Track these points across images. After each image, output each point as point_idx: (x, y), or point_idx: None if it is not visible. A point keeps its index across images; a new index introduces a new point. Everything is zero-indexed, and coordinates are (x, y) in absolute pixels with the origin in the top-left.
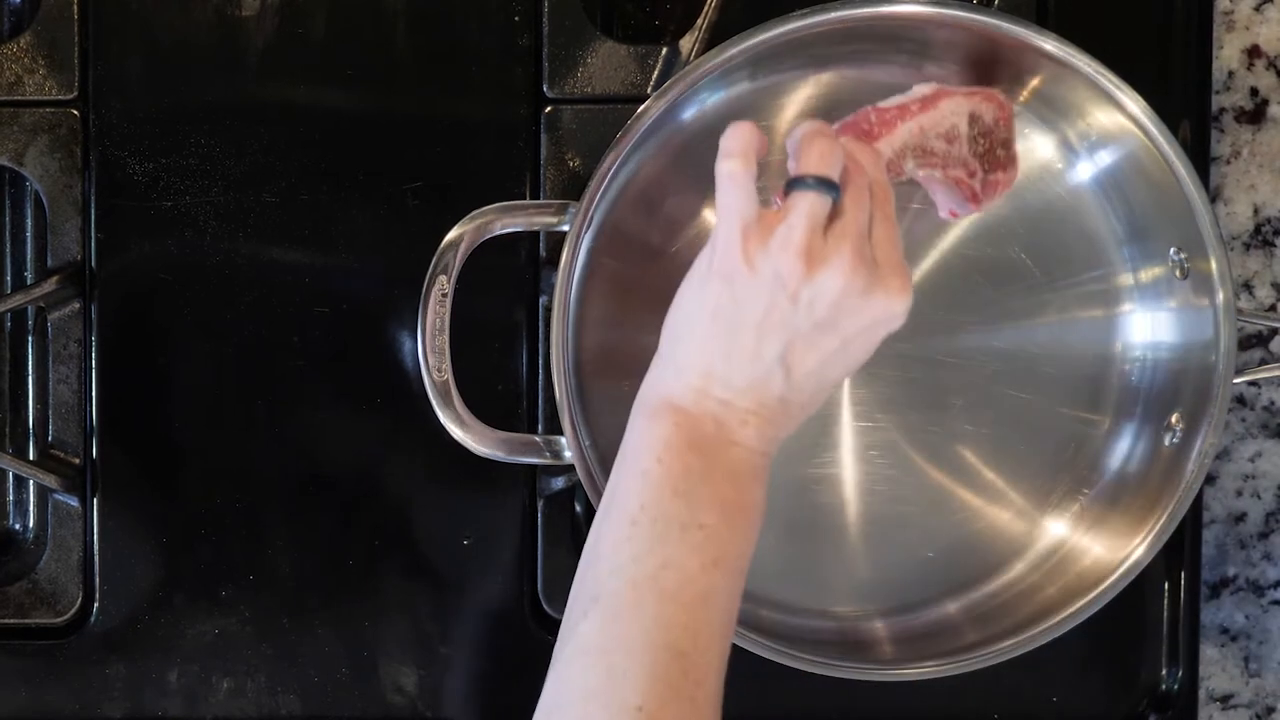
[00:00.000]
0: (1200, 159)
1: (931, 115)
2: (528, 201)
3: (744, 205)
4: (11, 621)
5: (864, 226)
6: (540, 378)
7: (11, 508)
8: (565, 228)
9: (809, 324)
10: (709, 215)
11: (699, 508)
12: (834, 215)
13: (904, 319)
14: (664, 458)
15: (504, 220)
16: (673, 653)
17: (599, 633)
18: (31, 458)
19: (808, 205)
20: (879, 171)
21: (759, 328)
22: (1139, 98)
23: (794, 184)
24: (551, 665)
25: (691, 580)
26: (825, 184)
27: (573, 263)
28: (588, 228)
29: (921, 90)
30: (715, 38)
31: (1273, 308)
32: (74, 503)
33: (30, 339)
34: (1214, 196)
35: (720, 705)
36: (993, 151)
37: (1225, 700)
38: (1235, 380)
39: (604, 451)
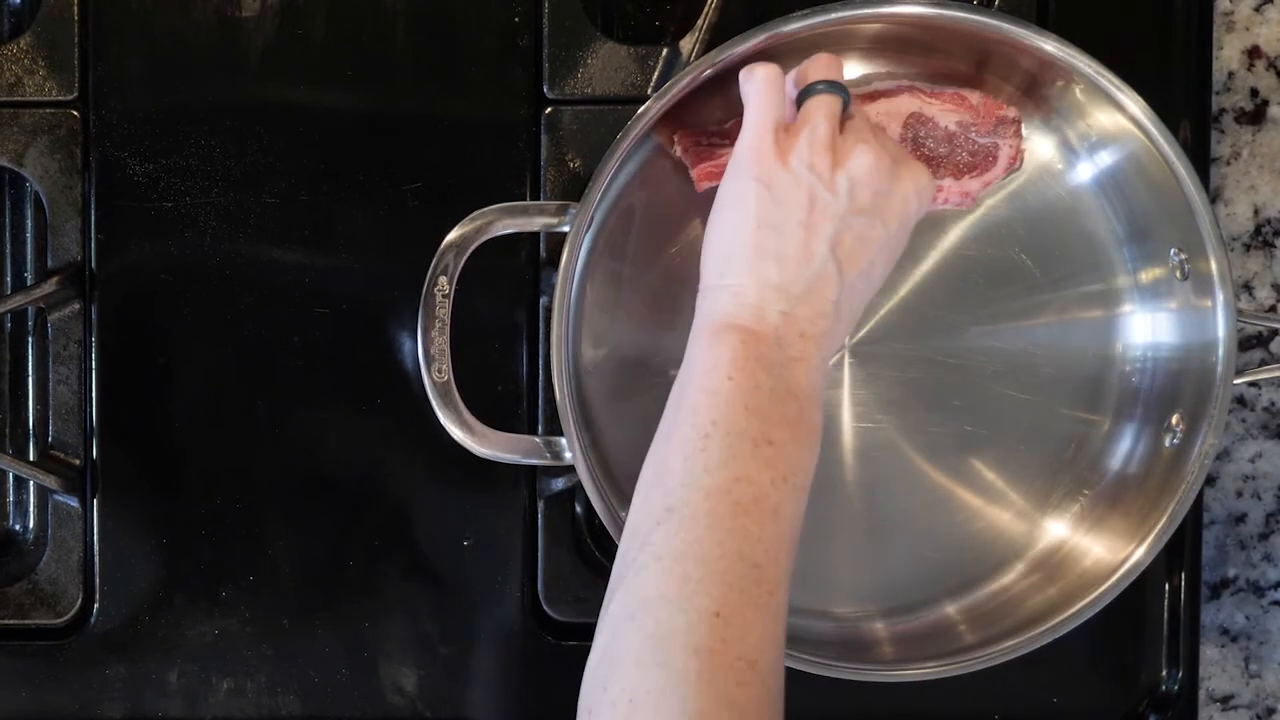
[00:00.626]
0: (1200, 160)
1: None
2: (528, 202)
3: (777, 107)
4: (12, 622)
5: (871, 122)
6: (540, 378)
7: (11, 508)
8: (565, 228)
9: (851, 210)
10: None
11: (770, 424)
12: (844, 116)
13: (931, 190)
14: (734, 375)
15: (504, 221)
16: (747, 563)
17: (674, 539)
18: (32, 458)
19: (825, 104)
20: None
21: (806, 224)
22: (1139, 98)
23: (806, 92)
24: (620, 576)
25: (764, 494)
26: (835, 85)
27: (573, 263)
28: (588, 228)
29: (858, 90)
30: (715, 38)
31: (1273, 308)
32: (74, 503)
33: (30, 340)
34: (1214, 197)
35: (786, 618)
36: (952, 156)
37: (1225, 701)
38: (1235, 381)
39: (604, 452)
